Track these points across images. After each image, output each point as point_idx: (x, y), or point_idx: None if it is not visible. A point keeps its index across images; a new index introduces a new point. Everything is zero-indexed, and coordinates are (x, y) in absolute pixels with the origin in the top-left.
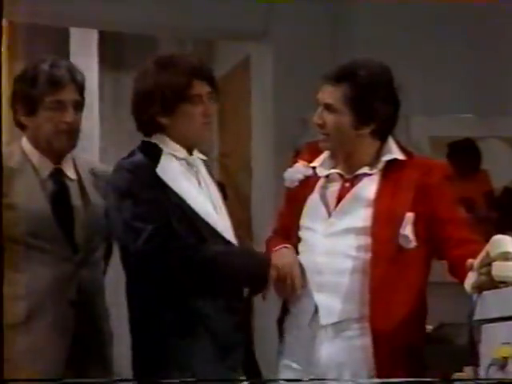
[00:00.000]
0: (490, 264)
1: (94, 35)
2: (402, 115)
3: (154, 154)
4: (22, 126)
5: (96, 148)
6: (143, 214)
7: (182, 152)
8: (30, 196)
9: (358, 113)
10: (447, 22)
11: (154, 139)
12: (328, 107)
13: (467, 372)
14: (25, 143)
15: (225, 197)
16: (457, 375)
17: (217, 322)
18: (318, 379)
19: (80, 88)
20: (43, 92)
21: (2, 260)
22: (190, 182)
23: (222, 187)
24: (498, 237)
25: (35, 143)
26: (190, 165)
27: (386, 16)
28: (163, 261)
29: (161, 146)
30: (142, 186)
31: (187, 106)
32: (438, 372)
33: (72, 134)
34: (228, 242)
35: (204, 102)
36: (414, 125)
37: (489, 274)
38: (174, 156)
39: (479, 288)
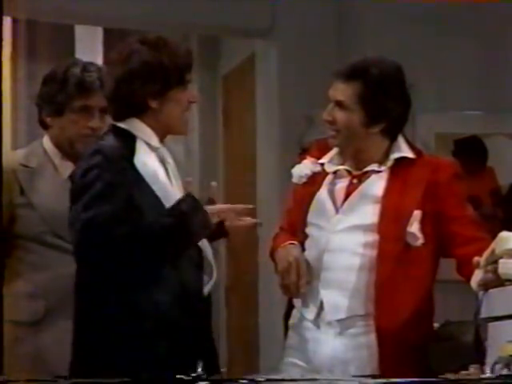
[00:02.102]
0: (496, 261)
1: (99, 32)
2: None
3: (127, 141)
4: (45, 126)
5: None
6: (105, 198)
7: (155, 140)
8: (51, 196)
9: (369, 111)
10: (454, 19)
11: (126, 125)
12: (339, 104)
13: (473, 370)
14: (46, 143)
15: None
16: (462, 373)
17: (175, 320)
18: (324, 379)
19: None
20: (72, 96)
21: (3, 260)
22: (165, 177)
23: None
24: (504, 234)
25: (58, 144)
26: (160, 156)
27: (391, 13)
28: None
29: (133, 132)
30: (116, 175)
31: (179, 90)
32: (444, 370)
33: (95, 139)
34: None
35: (189, 88)
36: (421, 122)
37: (495, 271)
38: (148, 145)
39: (485, 286)
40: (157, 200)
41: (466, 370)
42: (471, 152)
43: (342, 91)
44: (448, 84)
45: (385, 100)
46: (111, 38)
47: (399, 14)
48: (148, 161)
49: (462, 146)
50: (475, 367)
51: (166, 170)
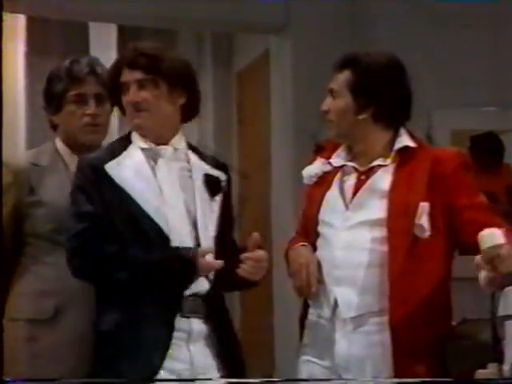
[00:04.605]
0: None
1: (113, 29)
2: (424, 109)
3: (122, 146)
4: (54, 127)
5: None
6: (80, 212)
7: (147, 142)
8: (59, 193)
9: (357, 97)
10: (468, 15)
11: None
12: (331, 92)
13: (491, 369)
14: (58, 141)
15: (214, 191)
16: (480, 372)
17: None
18: (337, 379)
19: (102, 80)
20: (65, 87)
21: (2, 261)
22: (143, 177)
23: (211, 181)
24: (482, 232)
25: (65, 140)
26: (151, 156)
27: (405, 10)
28: (85, 261)
29: (132, 134)
30: (87, 184)
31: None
32: (461, 369)
33: (97, 127)
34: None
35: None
36: (436, 118)
37: (495, 269)
38: (140, 147)
39: (493, 284)
40: (130, 200)
41: (484, 368)
42: (487, 148)
43: (335, 80)
44: (464, 80)
45: (372, 86)
46: (125, 36)
47: (414, 10)
48: (123, 163)
49: (479, 143)
50: (493, 366)
51: (154, 171)
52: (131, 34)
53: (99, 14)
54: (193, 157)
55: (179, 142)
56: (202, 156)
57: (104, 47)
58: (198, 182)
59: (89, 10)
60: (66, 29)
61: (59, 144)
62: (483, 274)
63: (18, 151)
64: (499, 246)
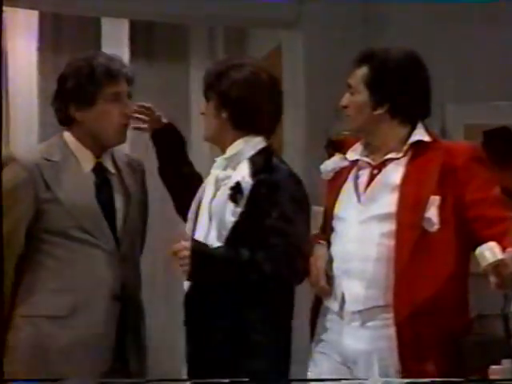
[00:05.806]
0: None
1: (125, 25)
2: (437, 103)
3: None
4: (68, 123)
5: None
6: None
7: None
8: (75, 190)
9: (373, 92)
10: (481, 8)
11: None
12: (350, 88)
13: (505, 365)
14: (68, 137)
15: (236, 197)
16: (493, 368)
17: None
18: (345, 379)
19: (130, 81)
20: (102, 84)
21: (2, 260)
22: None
23: (235, 187)
24: (483, 248)
25: (83, 137)
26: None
27: (418, 4)
28: None
29: None
30: None
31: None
32: (476, 365)
33: (127, 128)
34: None
35: None
36: (449, 113)
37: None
38: None
39: (501, 286)
40: None
41: (498, 364)
42: (501, 143)
43: (353, 76)
44: (477, 74)
45: (387, 83)
46: (137, 31)
47: (426, 4)
48: None
49: (492, 137)
50: (507, 362)
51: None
52: (143, 29)
53: (111, 10)
54: (243, 165)
55: (232, 151)
56: (253, 164)
57: (116, 43)
58: (228, 190)
59: (101, 5)
60: (78, 24)
61: (70, 139)
62: (492, 279)
63: (31, 146)
64: (498, 263)
